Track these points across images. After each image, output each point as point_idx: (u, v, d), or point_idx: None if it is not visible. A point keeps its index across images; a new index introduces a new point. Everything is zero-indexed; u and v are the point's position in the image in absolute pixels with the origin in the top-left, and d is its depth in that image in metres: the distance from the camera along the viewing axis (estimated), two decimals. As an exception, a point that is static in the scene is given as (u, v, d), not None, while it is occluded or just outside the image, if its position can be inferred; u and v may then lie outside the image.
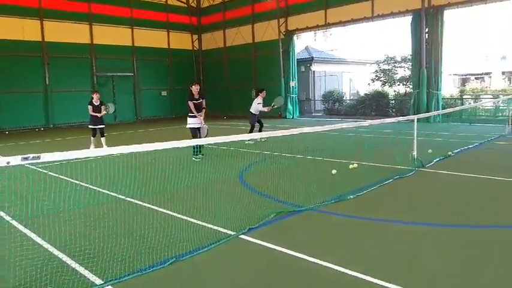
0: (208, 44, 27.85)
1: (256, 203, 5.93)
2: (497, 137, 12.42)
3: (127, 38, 24.75)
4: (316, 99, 26.38)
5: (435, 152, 9.73)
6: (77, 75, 22.69)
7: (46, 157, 3.23)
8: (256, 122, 13.45)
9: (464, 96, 19.73)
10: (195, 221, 5.25)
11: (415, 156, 8.27)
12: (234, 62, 26.28)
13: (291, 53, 22.94)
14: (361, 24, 20.44)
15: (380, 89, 24.15)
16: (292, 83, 23.20)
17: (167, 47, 26.80)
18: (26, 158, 3.11)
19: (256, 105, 13.41)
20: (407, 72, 22.63)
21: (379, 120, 9.58)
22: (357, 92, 27.67)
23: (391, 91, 23.53)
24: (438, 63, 17.48)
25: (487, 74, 42.36)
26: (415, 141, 8.37)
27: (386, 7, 18.70)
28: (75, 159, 5.00)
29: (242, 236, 4.71)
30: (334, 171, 7.83)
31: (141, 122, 24.42)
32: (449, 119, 18.43)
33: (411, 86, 22.47)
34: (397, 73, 22.96)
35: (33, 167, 8.63)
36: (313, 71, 26.11)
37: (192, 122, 10.06)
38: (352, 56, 29.06)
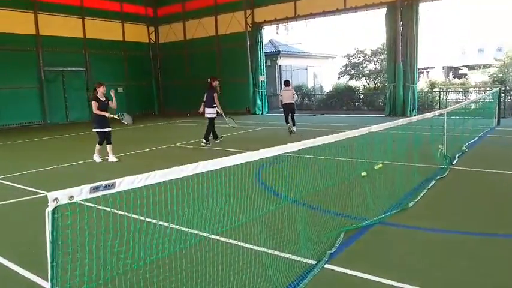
0: (167, 36, 26.08)
1: (313, 218, 4.91)
2: (489, 130, 12.33)
3: (78, 29, 22.40)
4: (283, 94, 25.60)
5: (447, 148, 9.28)
6: (21, 70, 20.11)
7: (123, 184, 2.01)
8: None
9: (434, 89, 19.92)
10: (266, 250, 4.09)
11: (445, 153, 7.67)
12: (196, 56, 24.78)
13: (258, 47, 21.95)
14: (333, 16, 19.88)
15: (346, 83, 23.93)
16: (262, 78, 22.26)
17: (122, 40, 24.70)
18: (96, 189, 1.88)
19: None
20: (377, 66, 22.57)
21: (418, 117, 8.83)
22: (321, 86, 27.27)
23: (359, 85, 23.33)
24: (414, 57, 17.36)
25: (430, 68, 44.03)
26: (444, 137, 7.77)
27: (359, -1, 18.29)
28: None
29: (328, 266, 3.70)
30: (363, 173, 7.00)
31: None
32: (427, 113, 18.46)
33: (381, 80, 22.51)
34: (366, 67, 22.78)
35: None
36: (280, 65, 25.33)
37: (213, 112, 11.41)
38: (316, 50, 28.67)
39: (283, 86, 14.58)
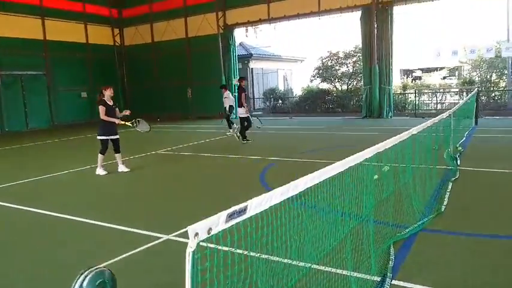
0: (133, 39, 25.03)
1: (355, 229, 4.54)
2: (472, 130, 12.56)
3: (37, 31, 20.99)
4: (255, 97, 25.30)
5: (442, 148, 9.28)
6: (-26, 74, 18.57)
7: (253, 206, 1.55)
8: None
9: (406, 91, 20.31)
10: (328, 269, 3.66)
11: (451, 154, 7.59)
12: (165, 59, 23.93)
13: (231, 49, 21.50)
14: (308, 19, 19.77)
15: (317, 86, 23.95)
16: (236, 81, 21.75)
17: (85, 42, 23.43)
18: (231, 216, 1.41)
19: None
20: (350, 69, 22.73)
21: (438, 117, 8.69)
22: (291, 89, 27.18)
23: (331, 87, 23.40)
24: (389, 59, 17.58)
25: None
26: (451, 138, 7.69)
27: (334, 2, 18.28)
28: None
29: (396, 282, 3.34)
30: (376, 176, 6.75)
31: (57, 128, 20.86)
32: (401, 114, 18.78)
33: (355, 82, 22.70)
34: (339, 69, 22.88)
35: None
36: (252, 68, 24.98)
37: (243, 112, 11.84)
38: (286, 52, 28.57)
39: (222, 90, 15.28)
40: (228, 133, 14.13)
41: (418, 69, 47.66)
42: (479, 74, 21.30)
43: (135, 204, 6.17)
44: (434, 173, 6.83)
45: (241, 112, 11.85)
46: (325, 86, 23.62)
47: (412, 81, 22.87)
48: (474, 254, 3.90)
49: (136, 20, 24.65)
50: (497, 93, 19.46)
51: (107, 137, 8.12)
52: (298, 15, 19.52)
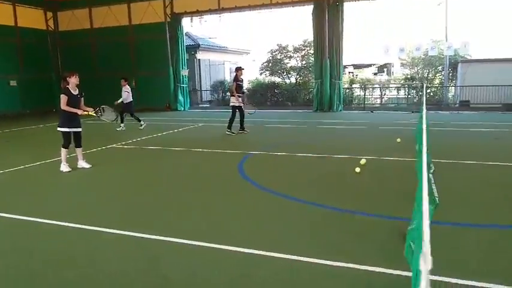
0: (69, 24, 23.12)
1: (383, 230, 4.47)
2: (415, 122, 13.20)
3: (-44, 9, 18.61)
4: (202, 89, 24.68)
5: (404, 140, 9.65)
6: None
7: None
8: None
9: (353, 85, 21.02)
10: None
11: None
12: (106, 47, 22.45)
13: (179, 39, 20.72)
14: (258, 11, 19.58)
15: (264, 79, 23.95)
16: (185, 72, 21.07)
17: (14, 25, 21.21)
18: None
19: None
20: (299, 63, 22.98)
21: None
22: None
23: (278, 81, 23.51)
24: (339, 54, 17.99)
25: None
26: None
27: (286, -5, 18.31)
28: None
29: (432, 277, 3.30)
30: (357, 169, 6.81)
31: (-17, 120, 18.73)
32: (349, 108, 19.37)
33: (303, 76, 23.00)
34: (288, 63, 23.04)
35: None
36: (199, 59, 24.30)
37: (235, 101, 11.47)
38: (232, 44, 28.21)
39: (123, 81, 13.93)
40: (118, 128, 13.15)
41: (351, 65, 49.84)
42: (415, 71, 22.64)
43: (115, 204, 5.60)
44: (409, 165, 7.05)
45: (233, 101, 11.55)
46: (273, 79, 23.68)
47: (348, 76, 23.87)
48: (493, 244, 3.99)
49: (72, 4, 22.79)
50: (433, 89, 20.86)
51: (69, 129, 7.34)
52: (249, 7, 19.27)
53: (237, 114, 11.66)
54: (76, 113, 7.28)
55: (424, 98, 9.92)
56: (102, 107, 8.02)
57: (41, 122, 16.65)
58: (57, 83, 23.32)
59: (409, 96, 19.86)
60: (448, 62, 19.13)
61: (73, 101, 7.22)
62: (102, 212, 5.16)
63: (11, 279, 3.47)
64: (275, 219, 4.70)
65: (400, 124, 13.18)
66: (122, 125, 13.31)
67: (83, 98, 7.50)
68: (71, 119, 7.32)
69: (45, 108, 22.35)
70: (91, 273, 3.52)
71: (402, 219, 4.49)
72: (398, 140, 9.73)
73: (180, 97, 21.16)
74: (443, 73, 20.93)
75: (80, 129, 7.51)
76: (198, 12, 20.44)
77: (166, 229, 4.43)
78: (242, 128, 11.88)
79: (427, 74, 21.56)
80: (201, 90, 24.67)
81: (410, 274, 3.34)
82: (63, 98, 7.13)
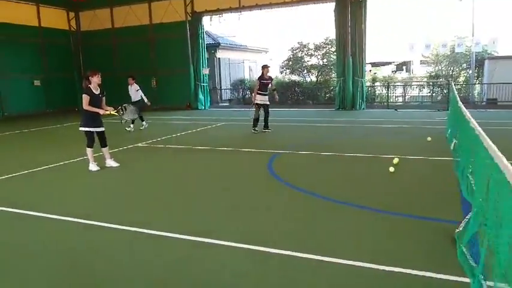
0: (91, 24, 23.38)
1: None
2: (443, 120, 12.89)
3: (-17, 11, 18.98)
4: (222, 88, 24.65)
5: (434, 139, 9.42)
6: None
7: None
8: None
9: (376, 84, 20.69)
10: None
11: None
12: (126, 46, 22.61)
13: (200, 38, 20.71)
14: (280, 9, 19.44)
15: (284, 77, 23.80)
16: (205, 71, 21.07)
17: (38, 25, 21.55)
18: None
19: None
20: (320, 61, 22.74)
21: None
22: (254, 80, 26.82)
23: (297, 79, 23.31)
24: (362, 51, 17.72)
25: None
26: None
27: (308, -8, 18.11)
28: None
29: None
30: (391, 169, 6.62)
31: (8, 119, 19.07)
32: (371, 106, 19.07)
33: (324, 74, 22.76)
34: (308, 61, 22.82)
35: None
36: (219, 58, 24.28)
37: (260, 99, 11.45)
38: (251, 43, 28.12)
39: (130, 80, 13.23)
40: (127, 128, 12.81)
41: (369, 63, 49.20)
42: (439, 69, 22.15)
43: (154, 204, 5.55)
44: (445, 165, 6.83)
45: (257, 99, 11.45)
46: (293, 77, 23.51)
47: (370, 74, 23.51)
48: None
49: (94, 4, 23.02)
50: (458, 86, 20.34)
51: (91, 129, 7.33)
52: (270, 5, 19.12)
53: (261, 112, 11.59)
54: (98, 113, 7.25)
55: (455, 94, 9.62)
56: (124, 106, 7.99)
57: (64, 121, 16.85)
58: (80, 83, 23.61)
59: (434, 94, 19.43)
60: (474, 59, 18.62)
61: (95, 101, 7.18)
62: (137, 212, 5.11)
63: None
64: (316, 221, 4.56)
65: (427, 122, 12.89)
66: (144, 123, 13.23)
67: (104, 98, 7.49)
68: (93, 119, 7.29)
69: (67, 107, 22.67)
70: (144, 274, 3.46)
71: (447, 222, 4.33)
72: (429, 138, 9.50)
73: (201, 96, 21.17)
74: (468, 70, 20.43)
75: (102, 129, 7.49)
76: (219, 11, 20.39)
77: (210, 230, 4.32)
78: (266, 126, 11.76)
79: (452, 72, 21.05)
80: (220, 89, 24.65)
81: (463, 279, 3.21)
82: (85, 98, 7.10)
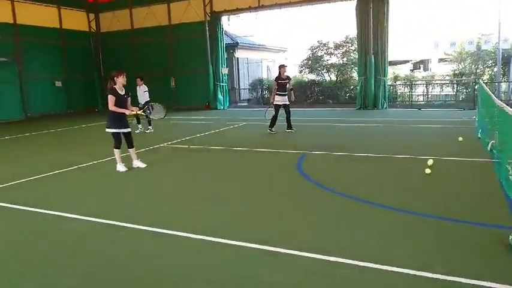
0: (110, 25, 23.54)
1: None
2: (471, 119, 12.54)
3: (6, 13, 19.22)
4: (241, 87, 24.57)
5: (466, 139, 9.13)
6: None
7: None
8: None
9: (397, 82, 20.33)
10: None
11: (495, 146, 7.34)
12: (145, 47, 22.67)
13: (219, 37, 20.65)
14: (300, 7, 19.24)
15: (301, 76, 23.57)
16: (225, 70, 21.01)
17: (59, 27, 21.79)
18: None
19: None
20: (339, 60, 22.46)
21: None
22: (273, 80, 26.68)
23: (316, 79, 23.06)
24: (384, 50, 17.40)
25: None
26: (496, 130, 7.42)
27: (329, -11, 17.88)
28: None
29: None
30: (428, 171, 6.40)
31: (31, 120, 19.32)
32: (393, 106, 18.73)
33: (344, 73, 22.48)
34: (329, 60, 22.56)
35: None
36: (237, 58, 24.19)
37: (278, 100, 11.35)
38: (269, 42, 27.96)
39: (139, 81, 12.67)
40: (137, 131, 12.36)
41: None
42: (463, 66, 21.64)
43: (196, 207, 5.45)
44: (484, 166, 6.59)
45: (277, 100, 11.38)
46: (312, 76, 23.27)
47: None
48: None
49: (113, 5, 23.17)
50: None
51: (118, 130, 7.26)
52: (290, 3, 18.93)
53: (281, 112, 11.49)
54: (124, 113, 7.17)
55: (489, 93, 9.28)
56: (151, 104, 7.88)
57: (87, 121, 16.98)
58: (100, 84, 23.90)
59: (458, 92, 18.99)
60: (500, 56, 18.12)
61: (120, 101, 7.11)
62: (169, 215, 5.02)
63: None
64: (360, 225, 4.39)
65: (455, 122, 12.55)
66: (150, 127, 12.70)
67: (129, 98, 7.42)
68: (120, 120, 7.21)
69: (88, 108, 22.93)
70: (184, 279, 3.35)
71: (497, 227, 4.12)
72: (460, 138, 9.20)
73: (220, 96, 21.11)
74: (493, 68, 19.91)
75: (129, 130, 7.41)
76: (238, 10, 20.30)
77: (267, 239, 4.14)
78: (289, 126, 11.61)
79: (476, 69, 20.55)
80: (239, 89, 24.56)
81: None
82: (111, 99, 7.02)
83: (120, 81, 7.14)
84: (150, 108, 7.88)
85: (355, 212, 4.83)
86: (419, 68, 37.36)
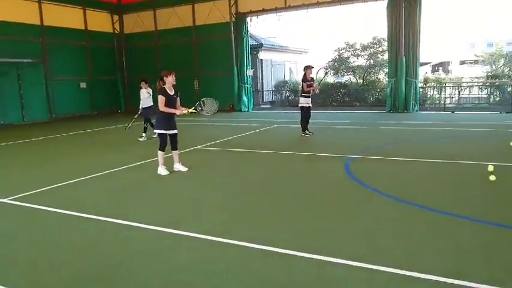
0: (134, 26, 23.49)
1: None
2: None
3: (33, 15, 19.29)
4: (264, 89, 24.30)
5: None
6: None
7: None
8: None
9: (427, 84, 19.81)
10: None
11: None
12: (169, 48, 22.57)
13: (244, 39, 20.41)
14: (327, 8, 18.87)
15: (324, 78, 23.15)
16: (250, 72, 20.76)
17: (84, 29, 21.83)
18: None
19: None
20: (366, 61, 22.02)
21: None
22: (296, 81, 26.33)
23: (343, 81, 22.67)
24: (416, 51, 16.94)
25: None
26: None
27: (358, -10, 17.49)
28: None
29: None
30: (492, 177, 6.01)
31: (57, 121, 19.34)
32: (423, 109, 18.24)
33: (371, 75, 22.03)
34: (355, 61, 22.13)
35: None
36: (261, 59, 23.94)
37: (304, 102, 11.19)
38: (292, 44, 27.68)
39: (143, 84, 11.90)
40: (140, 138, 11.58)
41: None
42: (494, 69, 20.98)
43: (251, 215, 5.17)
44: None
45: (301, 102, 11.24)
46: (332, 79, 22.89)
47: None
48: None
49: (137, 6, 23.13)
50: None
51: (166, 131, 7.06)
52: (317, 4, 18.57)
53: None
54: (174, 114, 6.98)
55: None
56: (202, 100, 7.62)
57: (112, 123, 16.90)
58: (123, 85, 23.90)
59: (491, 95, 18.39)
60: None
61: (170, 102, 6.94)
62: (212, 221, 4.74)
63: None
64: (433, 237, 4.05)
65: (495, 126, 12.01)
66: (144, 135, 11.66)
67: (179, 98, 7.20)
68: (169, 121, 7.04)
69: (112, 109, 22.94)
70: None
71: None
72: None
73: (244, 98, 20.85)
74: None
75: (176, 131, 7.21)
76: (264, 11, 20.01)
77: (320, 248, 3.90)
78: (305, 129, 11.40)
79: (509, 71, 19.88)
80: (262, 91, 24.29)
81: None
82: (161, 99, 6.85)
83: (169, 81, 6.96)
84: (202, 103, 7.57)
85: (424, 222, 4.48)
86: (438, 71, 36.63)
